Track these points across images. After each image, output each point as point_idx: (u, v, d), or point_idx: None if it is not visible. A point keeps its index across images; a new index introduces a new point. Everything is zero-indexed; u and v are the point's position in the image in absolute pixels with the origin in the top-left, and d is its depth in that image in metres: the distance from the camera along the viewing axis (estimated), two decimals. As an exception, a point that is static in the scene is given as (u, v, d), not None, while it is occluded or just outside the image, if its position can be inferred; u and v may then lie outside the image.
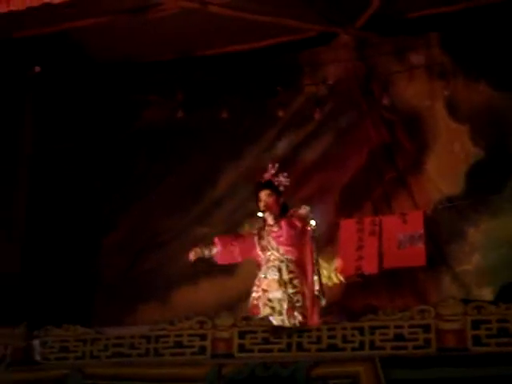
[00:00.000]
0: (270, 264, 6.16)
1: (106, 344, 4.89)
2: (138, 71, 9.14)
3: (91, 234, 8.97)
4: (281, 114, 8.56)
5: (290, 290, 6.04)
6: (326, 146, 8.50)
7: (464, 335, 4.23)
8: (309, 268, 6.18)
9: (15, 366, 5.00)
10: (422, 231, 7.85)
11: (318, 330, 4.54)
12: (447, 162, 8.00)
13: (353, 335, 4.44)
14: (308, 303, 6.07)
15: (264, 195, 6.25)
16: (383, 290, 7.95)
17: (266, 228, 6.25)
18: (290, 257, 6.16)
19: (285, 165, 8.46)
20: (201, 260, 6.42)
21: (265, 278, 6.15)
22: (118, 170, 9.23)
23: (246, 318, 4.73)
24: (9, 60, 8.27)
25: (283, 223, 6.09)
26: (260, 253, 6.26)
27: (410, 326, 4.35)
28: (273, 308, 5.98)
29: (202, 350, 4.71)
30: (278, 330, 4.66)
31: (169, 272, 8.69)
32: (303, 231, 6.21)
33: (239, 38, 8.65)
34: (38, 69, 8.49)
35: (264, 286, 6.12)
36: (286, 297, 6.02)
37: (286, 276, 6.10)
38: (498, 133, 7.87)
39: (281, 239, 6.11)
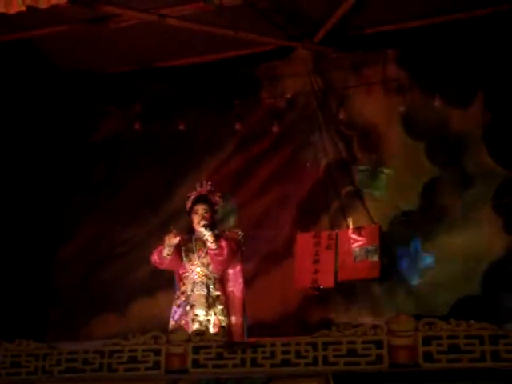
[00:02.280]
0: (197, 279, 6.19)
1: (59, 359, 4.82)
2: (97, 81, 9.13)
3: (46, 245, 8.86)
4: (238, 126, 8.58)
5: (219, 307, 6.12)
6: (283, 159, 8.54)
7: (415, 351, 4.27)
8: (236, 286, 6.28)
9: (-34, 382, 4.93)
10: (377, 244, 7.92)
11: (272, 345, 4.54)
12: (403, 178, 8.09)
13: (306, 351, 4.45)
14: (234, 321, 6.18)
15: (201, 209, 6.28)
16: (339, 303, 8.00)
17: (197, 242, 6.27)
18: (216, 275, 6.23)
19: (242, 177, 8.62)
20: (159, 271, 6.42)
21: (192, 292, 6.17)
22: (76, 179, 9.16)
23: (200, 333, 4.71)
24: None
25: (224, 244, 6.14)
26: (186, 265, 6.27)
27: (363, 342, 4.37)
28: (200, 322, 6.02)
29: (157, 365, 4.68)
30: (233, 345, 4.65)
31: (126, 284, 8.63)
32: (236, 254, 6.28)
33: (198, 51, 8.69)
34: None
35: (191, 301, 6.14)
36: (212, 313, 6.08)
37: (213, 293, 6.17)
38: (453, 149, 7.99)
39: (219, 258, 6.14)
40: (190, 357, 4.64)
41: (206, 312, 6.09)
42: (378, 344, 4.35)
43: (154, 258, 6.29)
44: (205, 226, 6.14)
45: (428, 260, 7.81)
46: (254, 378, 4.42)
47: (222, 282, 6.27)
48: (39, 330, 7.92)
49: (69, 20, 7.93)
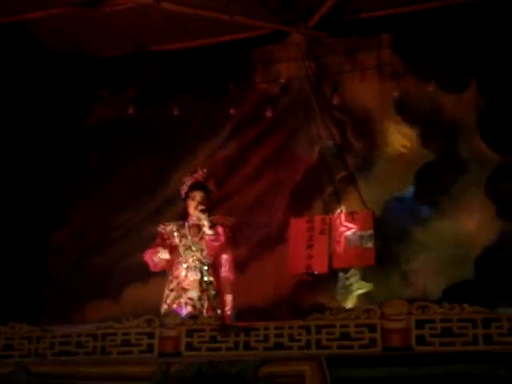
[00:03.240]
0: (191, 264, 6.25)
1: (52, 342, 4.85)
2: (91, 65, 9.07)
3: (41, 229, 8.85)
4: (233, 111, 8.55)
5: (212, 292, 6.20)
6: (277, 145, 8.52)
7: (408, 335, 4.29)
8: (226, 268, 6.37)
9: (-42, 365, 4.93)
10: (371, 231, 7.92)
11: (266, 328, 4.56)
12: (397, 163, 8.08)
13: (299, 334, 4.47)
14: (225, 304, 6.29)
15: (199, 196, 6.36)
16: (332, 288, 8.01)
17: (191, 228, 6.28)
18: (209, 260, 6.31)
19: (236, 162, 8.61)
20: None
21: (185, 277, 6.18)
22: (69, 165, 9.13)
23: (194, 317, 4.73)
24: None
25: (221, 230, 6.25)
26: (182, 251, 6.27)
27: (356, 326, 4.39)
28: (194, 306, 6.06)
29: (150, 348, 4.70)
30: (226, 329, 4.67)
31: (119, 269, 8.61)
32: (229, 240, 6.38)
33: (192, 35, 8.64)
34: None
35: (184, 285, 6.17)
36: (206, 297, 6.11)
37: (207, 278, 6.22)
38: (447, 134, 7.98)
39: (216, 244, 6.21)
40: (184, 340, 4.66)
41: (200, 296, 6.13)
42: (371, 327, 4.37)
43: (147, 260, 6.34)
44: (202, 211, 6.19)
45: (421, 245, 7.81)
46: (247, 361, 4.44)
47: (214, 267, 6.31)
48: (33, 313, 7.91)
49: (63, 3, 7.89)
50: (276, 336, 4.52)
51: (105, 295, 8.57)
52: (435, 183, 7.88)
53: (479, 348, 4.21)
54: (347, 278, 7.86)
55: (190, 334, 4.66)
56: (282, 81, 8.55)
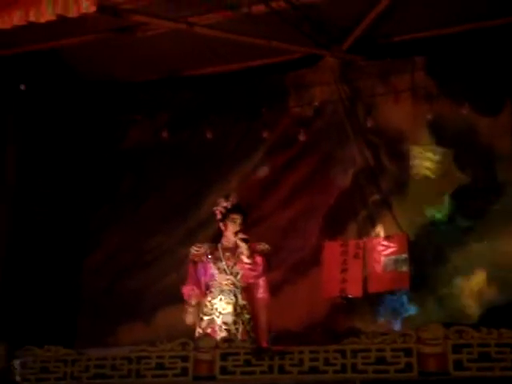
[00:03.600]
0: (225, 287, 6.22)
1: (88, 365, 4.85)
2: (124, 90, 9.15)
3: (75, 253, 8.91)
4: (266, 135, 8.57)
5: (246, 316, 6.14)
6: (310, 168, 8.51)
7: (445, 359, 4.23)
8: (262, 295, 6.29)
9: (-5, 387, 4.96)
10: (406, 254, 7.87)
11: (300, 352, 4.53)
12: (431, 186, 8.03)
13: (335, 358, 4.43)
14: (259, 329, 6.21)
15: (239, 219, 6.31)
16: (367, 312, 7.95)
17: (224, 251, 6.29)
18: (243, 284, 6.26)
19: (269, 186, 8.61)
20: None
21: (219, 300, 6.18)
22: (103, 188, 9.20)
23: (228, 340, 4.71)
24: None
25: (258, 260, 6.22)
26: (214, 274, 6.28)
27: (392, 350, 4.34)
28: (228, 331, 6.02)
29: (184, 371, 4.69)
30: (260, 352, 4.64)
31: (152, 292, 8.64)
32: (265, 268, 6.33)
33: (225, 59, 8.69)
34: (23, 87, 8.46)
35: (219, 310, 6.14)
36: (240, 321, 6.08)
37: (241, 301, 6.19)
38: (483, 157, 7.92)
39: (253, 273, 6.21)
40: (218, 363, 4.64)
41: (234, 321, 6.09)
42: (408, 352, 4.32)
43: (183, 292, 6.34)
44: (245, 240, 6.16)
45: (457, 269, 7.73)
46: (281, 385, 4.41)
47: (247, 290, 6.29)
48: (68, 336, 7.95)
49: (95, 30, 7.97)
50: (311, 360, 4.49)
51: (138, 318, 8.60)
52: (471, 206, 7.81)
53: (518, 373, 4.13)
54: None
55: (224, 357, 4.64)
56: (316, 104, 8.55)
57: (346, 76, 8.44)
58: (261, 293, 6.30)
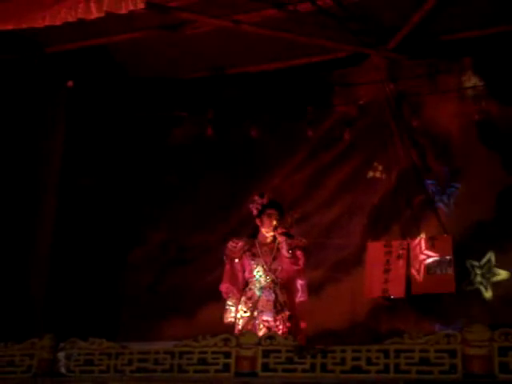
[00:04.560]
0: (264, 284, 6.18)
1: (131, 359, 4.87)
2: (171, 87, 9.21)
3: (119, 248, 9.00)
4: (310, 133, 8.56)
5: (287, 313, 6.08)
6: (355, 167, 8.48)
7: (491, 362, 4.17)
8: (301, 291, 6.26)
9: (40, 378, 5.01)
10: (450, 256, 7.79)
11: (343, 351, 4.49)
12: (477, 188, 7.94)
13: (377, 358, 4.39)
14: (299, 330, 6.17)
15: (275, 214, 6.27)
16: (410, 313, 7.89)
17: (262, 247, 6.25)
18: (282, 280, 6.22)
19: (313, 184, 8.59)
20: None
21: (259, 298, 6.13)
22: (148, 185, 9.27)
23: (271, 337, 4.70)
24: (43, 75, 8.38)
25: (299, 254, 6.17)
26: (254, 271, 6.25)
27: (436, 351, 4.29)
28: (269, 328, 5.98)
29: (226, 367, 4.68)
30: (303, 350, 4.62)
31: (195, 288, 8.68)
32: (305, 262, 6.29)
33: (270, 57, 8.71)
34: (70, 83, 8.57)
35: (259, 307, 6.10)
36: (280, 318, 6.04)
37: (281, 298, 6.14)
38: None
39: (294, 267, 6.16)
40: (260, 360, 4.62)
41: (274, 318, 6.07)
42: (452, 353, 4.26)
43: (221, 289, 6.33)
44: (285, 234, 6.13)
45: (502, 272, 7.63)
46: (324, 384, 4.39)
47: (287, 287, 6.25)
48: (111, 331, 8.01)
49: (143, 27, 8.04)
50: (353, 359, 4.44)
51: (180, 314, 8.65)
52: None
53: None
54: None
55: (266, 354, 4.62)
56: (361, 103, 8.53)
57: (391, 75, 8.41)
58: (301, 296, 6.26)
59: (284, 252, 6.14)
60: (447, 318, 7.71)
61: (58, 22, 6.52)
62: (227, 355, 4.70)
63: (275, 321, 6.06)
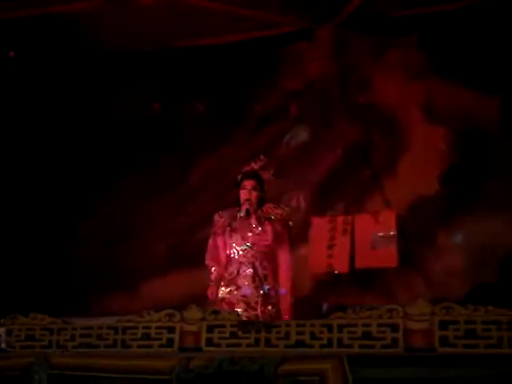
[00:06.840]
0: (243, 259, 5.94)
1: (73, 334, 4.82)
2: (117, 60, 9.09)
3: (63, 222, 8.89)
4: (258, 108, 8.55)
5: (266, 287, 5.91)
6: (301, 143, 8.49)
7: (432, 335, 4.23)
8: (284, 265, 6.01)
9: (-20, 353, 4.95)
10: (394, 232, 7.88)
11: (287, 325, 4.51)
12: (422, 164, 8.02)
13: (321, 332, 4.41)
14: (282, 300, 5.96)
15: (249, 185, 5.91)
16: (353, 288, 7.97)
17: (241, 221, 5.98)
18: (264, 252, 5.95)
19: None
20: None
21: (238, 273, 6.01)
22: (95, 158, 9.15)
23: (215, 312, 4.69)
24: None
25: (268, 228, 5.88)
26: (232, 246, 6.00)
27: (379, 325, 4.34)
28: (247, 304, 5.84)
29: (170, 342, 4.66)
30: (247, 325, 4.63)
31: (139, 262, 8.63)
32: (282, 233, 6.00)
33: (218, 32, 8.64)
34: (11, 53, 8.40)
35: (238, 283, 5.97)
36: (260, 293, 5.91)
37: (260, 272, 5.93)
38: (475, 135, 7.90)
39: (262, 243, 5.93)
40: (204, 335, 4.62)
41: (254, 293, 5.93)
42: (394, 327, 4.30)
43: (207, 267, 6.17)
44: (247, 212, 5.87)
45: (445, 246, 7.75)
46: (267, 358, 4.40)
47: (268, 259, 5.99)
48: (54, 306, 7.92)
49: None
50: (297, 333, 4.47)
51: (124, 288, 8.60)
52: (461, 185, 7.81)
53: (504, 351, 4.13)
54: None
55: (210, 329, 4.62)
56: (308, 78, 8.53)
57: (339, 51, 8.42)
58: (282, 271, 6.01)
59: (252, 225, 5.89)
60: (390, 292, 7.81)
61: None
62: (171, 330, 4.68)
63: (254, 296, 5.90)
